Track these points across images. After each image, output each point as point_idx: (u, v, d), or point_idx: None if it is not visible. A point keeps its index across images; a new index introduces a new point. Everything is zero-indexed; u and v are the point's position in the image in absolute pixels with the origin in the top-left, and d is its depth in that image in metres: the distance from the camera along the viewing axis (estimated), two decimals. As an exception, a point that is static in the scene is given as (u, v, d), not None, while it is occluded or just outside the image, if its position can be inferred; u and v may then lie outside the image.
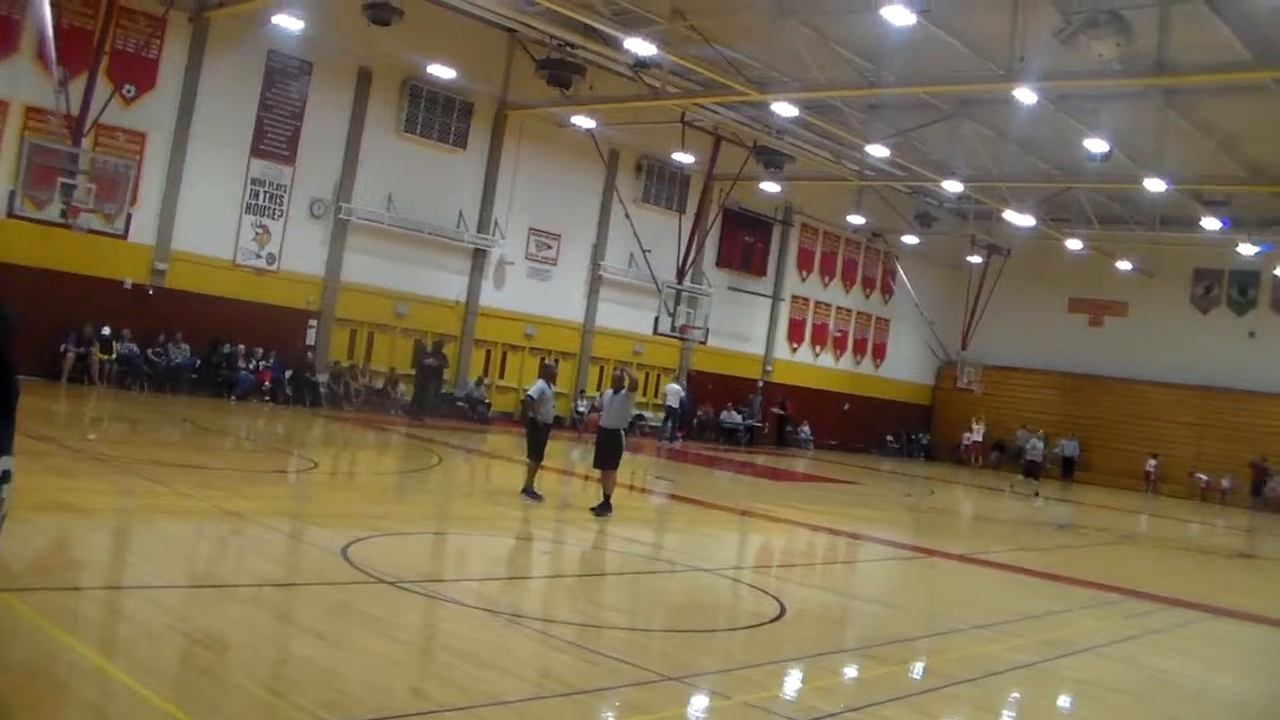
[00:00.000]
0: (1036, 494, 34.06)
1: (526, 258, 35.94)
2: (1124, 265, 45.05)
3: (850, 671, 9.88)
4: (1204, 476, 44.56)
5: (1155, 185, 31.01)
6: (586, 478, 19.16)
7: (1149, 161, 30.69)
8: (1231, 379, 45.54)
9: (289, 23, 25.75)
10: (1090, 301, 49.70)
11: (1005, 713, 9.28)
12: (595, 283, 37.91)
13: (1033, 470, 35.16)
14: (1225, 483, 43.96)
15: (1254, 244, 40.07)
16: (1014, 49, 24.15)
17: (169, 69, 27.87)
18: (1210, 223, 37.22)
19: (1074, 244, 42.42)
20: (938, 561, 18.17)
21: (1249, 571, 24.15)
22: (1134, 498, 41.59)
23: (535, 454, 18.00)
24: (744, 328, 43.32)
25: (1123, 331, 48.87)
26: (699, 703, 8.12)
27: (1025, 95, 25.75)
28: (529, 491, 17.70)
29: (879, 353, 49.88)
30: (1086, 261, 45.06)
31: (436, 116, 32.99)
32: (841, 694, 8.91)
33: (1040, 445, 35.50)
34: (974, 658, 10.59)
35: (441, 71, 30.28)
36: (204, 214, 28.54)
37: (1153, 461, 45.41)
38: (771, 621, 11.37)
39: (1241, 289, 46.86)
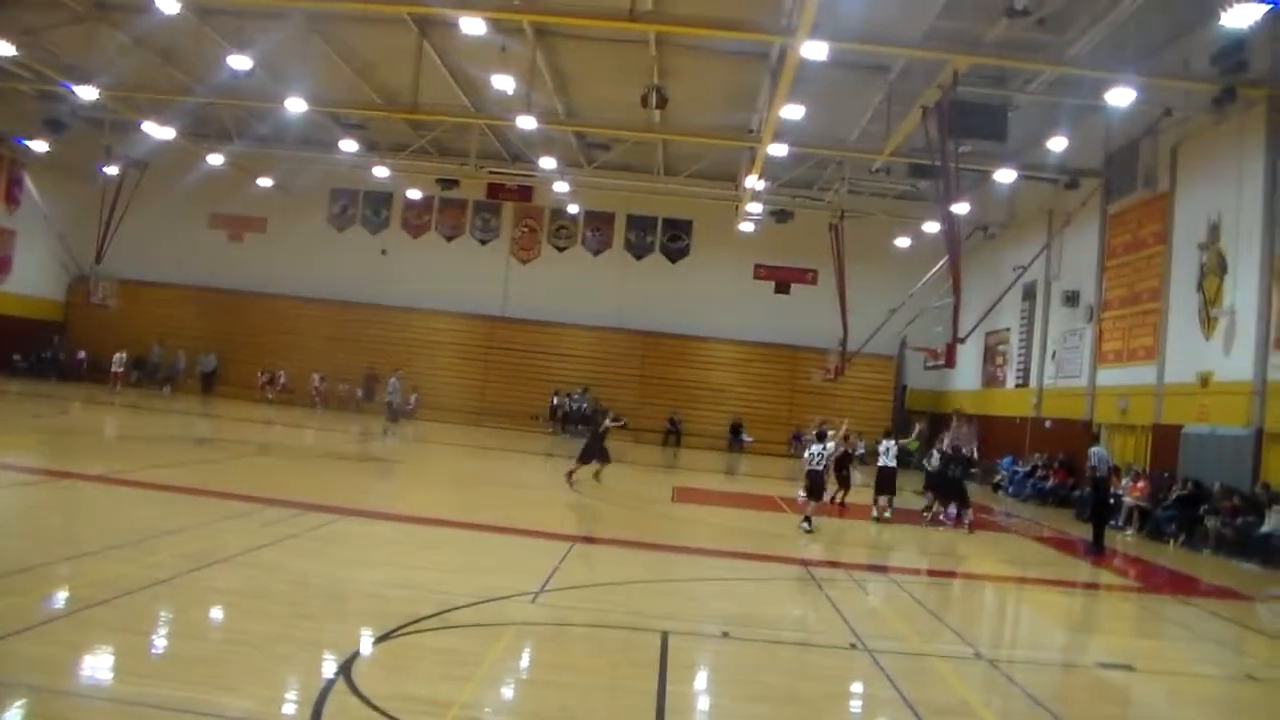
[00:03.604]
0: (386, 431, 35.14)
1: None
2: (264, 182, 45.85)
3: (-28, 607, 9.25)
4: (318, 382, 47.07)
5: (296, 105, 31.81)
6: None
7: (291, 82, 31.37)
8: (367, 294, 48.33)
9: None
10: (231, 217, 49.90)
11: (146, 630, 9.20)
12: None
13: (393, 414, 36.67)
14: (361, 392, 46.68)
15: (387, 166, 42.43)
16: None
17: None
18: (348, 145, 38.96)
19: (215, 159, 42.29)
20: (72, 484, 17.49)
21: (374, 474, 25.84)
22: (274, 410, 42.61)
23: None
24: None
25: (263, 247, 49.77)
26: None
27: (167, 4, 25.12)
28: None
29: (3, 266, 46.30)
30: (227, 177, 45.12)
31: None
32: (-38, 632, 8.31)
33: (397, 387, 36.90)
34: (109, 579, 10.37)
35: None
36: None
37: (283, 373, 46.80)
38: (-122, 562, 10.34)
39: (375, 209, 49.76)
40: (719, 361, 47.81)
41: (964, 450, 25.39)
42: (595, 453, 24.94)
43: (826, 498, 22.38)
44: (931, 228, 37.65)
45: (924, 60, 25.85)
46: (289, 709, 7.64)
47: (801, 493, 20.76)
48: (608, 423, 25.97)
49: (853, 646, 10.77)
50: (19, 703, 7.04)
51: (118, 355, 45.11)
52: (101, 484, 17.57)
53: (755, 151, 32.92)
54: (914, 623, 12.89)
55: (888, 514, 22.99)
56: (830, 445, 22.11)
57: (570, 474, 24.76)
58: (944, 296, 30.42)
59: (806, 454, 20.97)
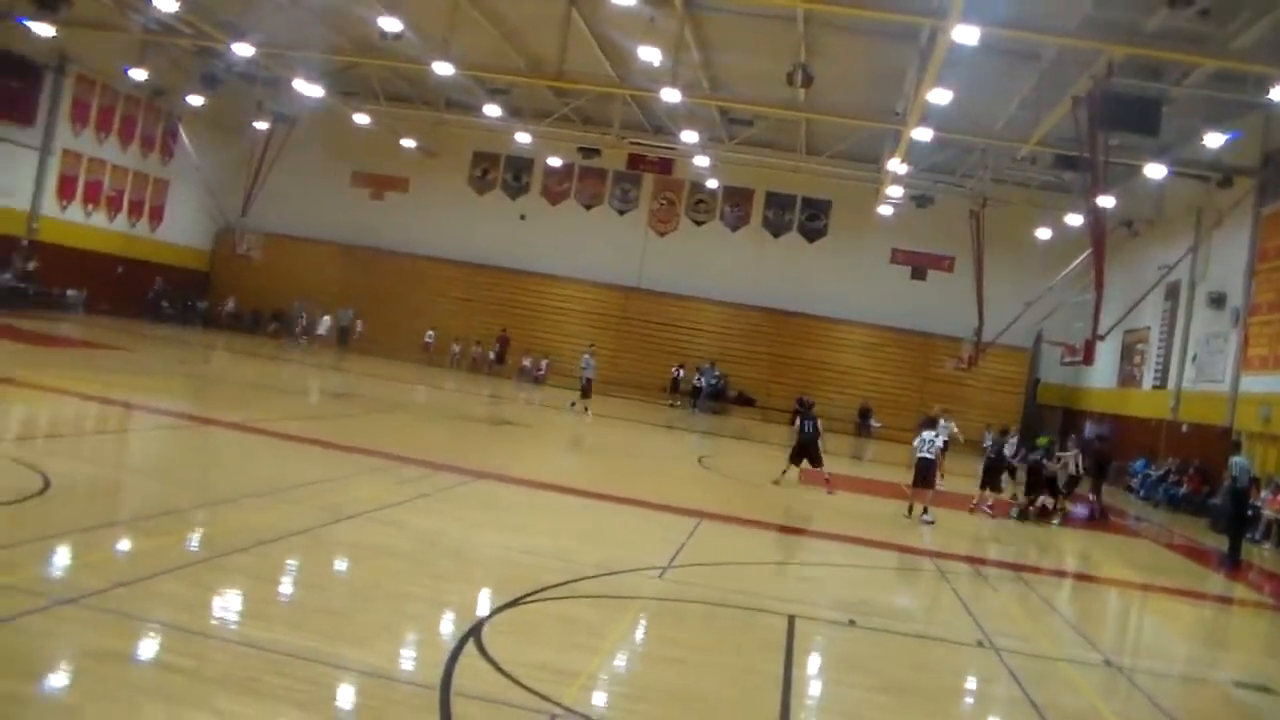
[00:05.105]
0: (586, 410, 33.99)
1: None
2: (408, 143, 46.48)
3: (121, 546, 9.57)
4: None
5: (443, 69, 32.09)
6: None
7: (438, 45, 31.69)
8: (503, 258, 48.86)
9: None
10: (373, 175, 50.72)
11: (280, 579, 9.46)
12: None
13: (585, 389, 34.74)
14: (492, 355, 47.35)
15: (529, 132, 42.72)
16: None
17: None
18: (491, 109, 39.28)
19: (361, 118, 42.98)
20: (213, 430, 17.99)
21: (507, 437, 26.09)
22: (410, 367, 43.34)
23: None
24: (6, 181, 39.34)
25: (404, 207, 50.54)
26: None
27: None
28: None
29: (156, 215, 47.64)
30: (372, 136, 45.89)
31: None
32: (111, 570, 8.60)
33: (590, 363, 34.83)
34: (248, 527, 10.66)
35: None
36: None
37: (431, 333, 47.74)
38: (34, 497, 10.71)
39: (516, 174, 50.15)
40: (851, 344, 47.34)
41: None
42: (815, 456, 23.42)
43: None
44: (1074, 220, 36.80)
45: (1078, 49, 25.17)
46: (413, 666, 7.77)
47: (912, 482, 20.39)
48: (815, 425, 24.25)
49: (979, 644, 10.63)
50: (160, 639, 7.28)
51: (325, 318, 45.60)
52: (240, 431, 18.02)
53: (900, 134, 32.44)
54: (1040, 623, 12.67)
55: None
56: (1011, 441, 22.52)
57: (828, 482, 22.65)
58: (1084, 291, 29.70)
59: (916, 441, 20.66)
